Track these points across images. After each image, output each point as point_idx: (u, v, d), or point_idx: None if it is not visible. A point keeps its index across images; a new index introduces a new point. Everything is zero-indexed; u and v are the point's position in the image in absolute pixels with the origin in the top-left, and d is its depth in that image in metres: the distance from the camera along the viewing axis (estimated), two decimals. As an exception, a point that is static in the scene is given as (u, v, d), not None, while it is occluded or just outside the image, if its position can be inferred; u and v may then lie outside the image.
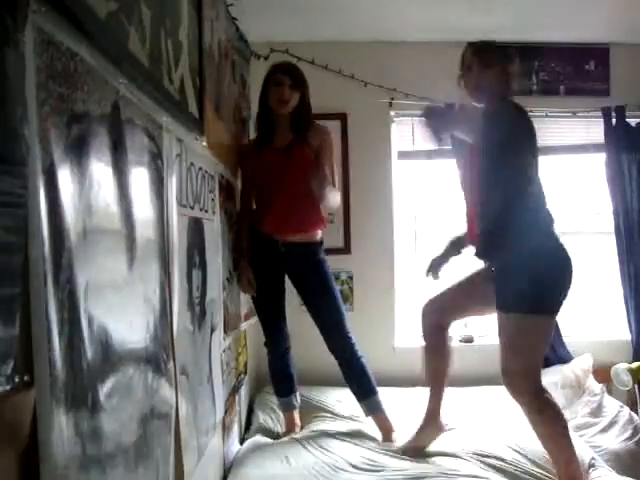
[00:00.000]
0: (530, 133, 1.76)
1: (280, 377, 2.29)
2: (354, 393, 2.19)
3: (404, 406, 2.51)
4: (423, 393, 2.59)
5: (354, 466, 1.88)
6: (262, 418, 2.36)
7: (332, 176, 2.15)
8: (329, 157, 2.18)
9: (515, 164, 1.69)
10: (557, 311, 1.74)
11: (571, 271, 1.73)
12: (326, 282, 2.18)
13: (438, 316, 1.98)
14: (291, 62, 2.30)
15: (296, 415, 2.30)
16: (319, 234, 2.20)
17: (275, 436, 2.24)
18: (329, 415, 2.41)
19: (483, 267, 1.90)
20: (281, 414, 2.37)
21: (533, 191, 1.75)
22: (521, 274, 1.67)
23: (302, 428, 2.28)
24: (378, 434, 2.14)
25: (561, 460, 1.75)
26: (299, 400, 2.32)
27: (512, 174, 1.69)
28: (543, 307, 1.69)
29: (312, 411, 2.43)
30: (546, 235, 1.74)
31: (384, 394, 2.58)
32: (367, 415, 2.18)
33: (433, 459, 1.93)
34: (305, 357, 2.47)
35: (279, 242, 2.14)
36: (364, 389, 2.17)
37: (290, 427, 2.27)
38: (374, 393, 2.16)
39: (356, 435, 2.15)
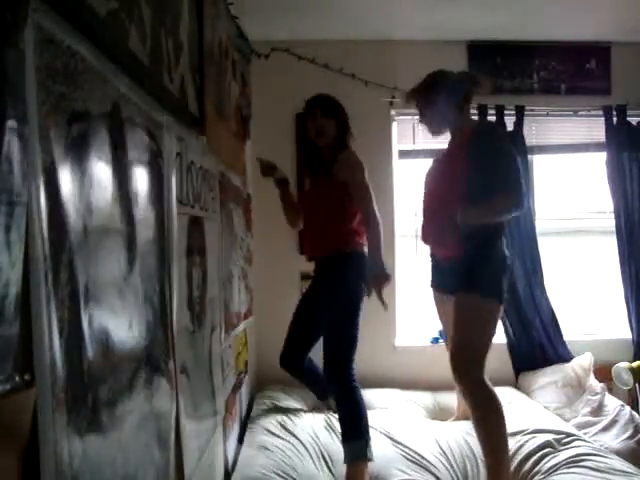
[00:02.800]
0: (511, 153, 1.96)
1: (312, 381, 2.29)
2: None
3: (403, 407, 2.52)
4: (422, 394, 2.64)
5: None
6: (262, 417, 2.36)
7: (365, 202, 2.01)
8: (357, 188, 2.03)
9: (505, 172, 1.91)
10: (503, 300, 1.96)
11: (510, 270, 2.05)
12: (332, 298, 2.03)
13: None
14: (320, 94, 2.19)
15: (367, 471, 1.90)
16: (343, 249, 2.06)
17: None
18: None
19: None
20: (279, 412, 2.35)
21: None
22: (485, 263, 1.92)
23: None
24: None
25: (491, 454, 1.85)
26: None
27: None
28: (498, 293, 1.92)
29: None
30: (501, 238, 2.00)
31: (384, 395, 2.59)
32: (346, 460, 1.90)
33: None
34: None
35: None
36: (350, 429, 1.95)
37: None
38: (361, 436, 1.92)
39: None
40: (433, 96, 2.02)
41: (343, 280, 2.03)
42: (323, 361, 2.03)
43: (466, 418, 2.26)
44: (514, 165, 1.87)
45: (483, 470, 1.93)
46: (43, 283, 0.69)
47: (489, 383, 1.88)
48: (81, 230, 0.80)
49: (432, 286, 2.23)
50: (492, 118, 2.92)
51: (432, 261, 2.22)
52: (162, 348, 1.17)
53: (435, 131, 2.12)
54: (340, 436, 1.96)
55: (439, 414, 2.51)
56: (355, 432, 1.91)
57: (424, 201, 2.16)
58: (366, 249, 2.03)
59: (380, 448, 2.00)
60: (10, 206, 0.62)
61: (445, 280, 2.11)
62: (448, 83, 2.02)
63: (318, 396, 2.44)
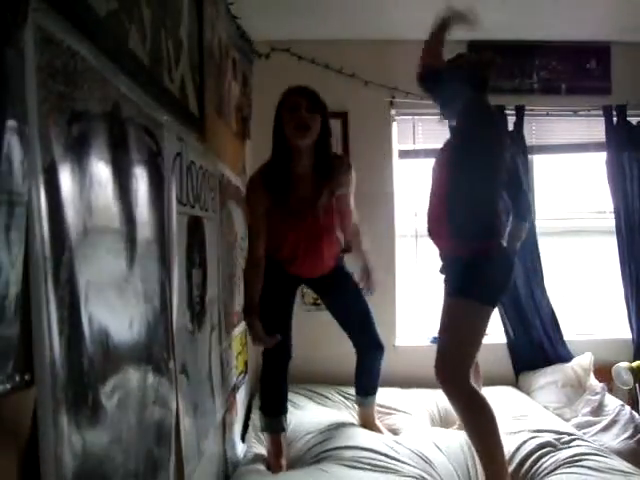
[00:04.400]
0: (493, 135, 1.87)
1: (277, 392, 2.07)
2: (358, 385, 2.28)
3: (403, 406, 2.52)
4: (422, 394, 2.64)
5: (357, 465, 1.88)
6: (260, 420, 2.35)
7: (350, 214, 2.11)
8: (350, 201, 2.09)
9: (479, 166, 1.80)
10: (496, 305, 1.90)
11: (512, 275, 1.91)
12: (355, 287, 2.18)
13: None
14: (306, 86, 1.94)
15: (283, 440, 2.04)
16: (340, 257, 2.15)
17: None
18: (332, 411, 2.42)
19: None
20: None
21: (495, 194, 1.86)
22: (476, 266, 1.81)
23: (286, 462, 2.00)
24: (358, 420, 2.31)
25: (485, 456, 1.80)
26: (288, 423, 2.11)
27: (477, 177, 1.80)
28: (488, 297, 1.84)
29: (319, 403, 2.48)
30: (498, 237, 1.89)
31: (384, 394, 2.61)
32: (359, 406, 2.32)
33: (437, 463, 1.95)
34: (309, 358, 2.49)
35: (303, 278, 2.10)
36: (370, 387, 2.27)
37: (277, 453, 1.99)
38: (375, 393, 2.28)
39: (359, 432, 2.16)
40: (442, 79, 1.91)
41: (347, 271, 2.20)
42: (360, 332, 2.18)
43: None
44: (481, 156, 1.78)
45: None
46: (43, 283, 0.69)
47: (475, 387, 1.83)
48: (81, 230, 0.80)
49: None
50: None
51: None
52: (162, 348, 1.17)
53: (445, 116, 2.07)
54: (368, 389, 2.25)
55: (439, 414, 2.51)
56: (375, 389, 2.26)
57: (429, 195, 2.06)
58: None
59: (383, 444, 2.02)
60: (10, 206, 0.62)
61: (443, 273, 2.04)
62: (456, 68, 1.91)
63: (270, 409, 2.08)
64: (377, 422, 2.30)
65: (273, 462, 1.96)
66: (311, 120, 1.81)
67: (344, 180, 1.99)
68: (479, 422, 1.81)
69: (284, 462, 1.98)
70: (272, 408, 2.06)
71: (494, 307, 1.89)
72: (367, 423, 2.26)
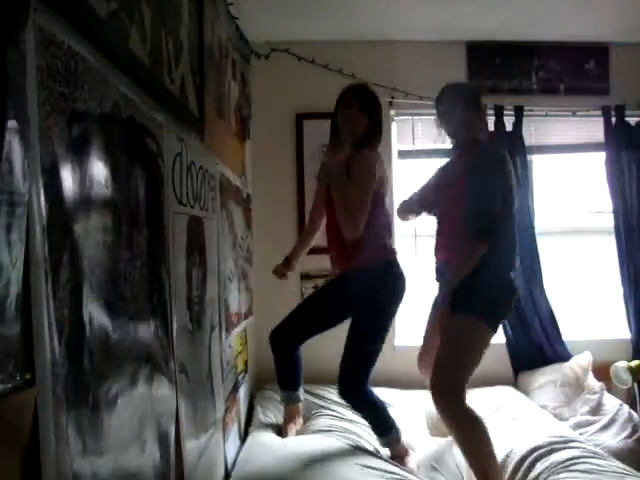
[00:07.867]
0: (507, 181, 1.89)
1: (286, 371, 2.19)
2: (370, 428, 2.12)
3: (404, 407, 2.52)
4: (422, 394, 2.64)
5: (354, 464, 1.89)
6: (262, 416, 2.36)
7: (354, 199, 1.87)
8: (357, 180, 1.89)
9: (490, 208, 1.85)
10: (496, 329, 1.89)
11: (513, 304, 1.95)
12: (365, 315, 1.97)
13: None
14: (364, 85, 2.09)
15: (298, 409, 2.26)
16: (370, 262, 1.96)
17: (276, 432, 2.21)
18: (331, 413, 2.42)
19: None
20: (280, 411, 2.34)
21: (505, 232, 1.89)
22: (478, 283, 1.83)
23: (303, 423, 2.27)
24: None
25: (479, 470, 1.77)
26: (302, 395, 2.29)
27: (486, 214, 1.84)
28: (489, 317, 1.84)
29: (313, 408, 2.45)
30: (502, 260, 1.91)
31: (384, 395, 2.60)
32: (383, 447, 2.08)
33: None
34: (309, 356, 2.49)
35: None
36: (377, 428, 2.07)
37: (289, 420, 2.20)
38: (389, 431, 2.04)
39: (356, 434, 2.16)
40: (439, 103, 2.07)
41: (378, 293, 1.99)
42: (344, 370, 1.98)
43: None
44: (490, 189, 1.82)
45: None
46: (43, 283, 0.69)
47: (469, 405, 1.78)
48: (81, 230, 0.80)
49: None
50: (491, 118, 2.91)
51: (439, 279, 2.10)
52: (162, 348, 1.17)
53: (448, 135, 2.11)
54: (373, 432, 2.10)
55: (438, 415, 2.50)
56: (384, 427, 2.04)
57: (439, 217, 2.10)
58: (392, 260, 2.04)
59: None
60: (11, 206, 0.62)
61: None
62: (451, 93, 2.02)
63: (283, 384, 2.21)
64: (408, 457, 2.05)
65: (284, 427, 2.18)
66: (358, 118, 1.98)
67: (356, 163, 1.91)
68: (472, 438, 1.78)
69: (294, 428, 2.18)
70: (285, 384, 2.22)
71: (495, 330, 1.87)
72: (400, 457, 2.02)
